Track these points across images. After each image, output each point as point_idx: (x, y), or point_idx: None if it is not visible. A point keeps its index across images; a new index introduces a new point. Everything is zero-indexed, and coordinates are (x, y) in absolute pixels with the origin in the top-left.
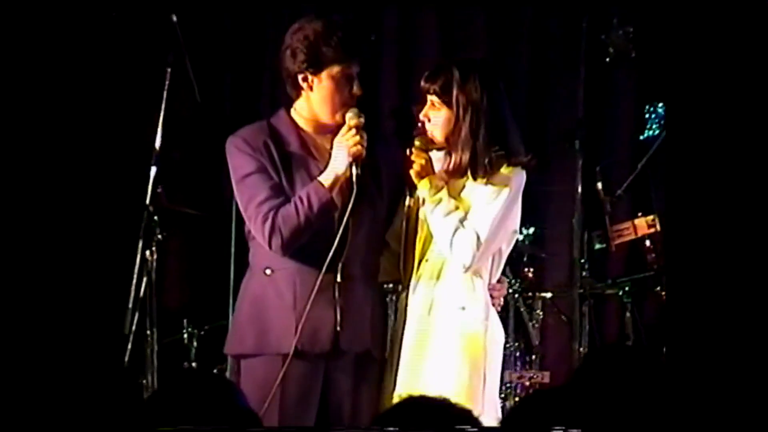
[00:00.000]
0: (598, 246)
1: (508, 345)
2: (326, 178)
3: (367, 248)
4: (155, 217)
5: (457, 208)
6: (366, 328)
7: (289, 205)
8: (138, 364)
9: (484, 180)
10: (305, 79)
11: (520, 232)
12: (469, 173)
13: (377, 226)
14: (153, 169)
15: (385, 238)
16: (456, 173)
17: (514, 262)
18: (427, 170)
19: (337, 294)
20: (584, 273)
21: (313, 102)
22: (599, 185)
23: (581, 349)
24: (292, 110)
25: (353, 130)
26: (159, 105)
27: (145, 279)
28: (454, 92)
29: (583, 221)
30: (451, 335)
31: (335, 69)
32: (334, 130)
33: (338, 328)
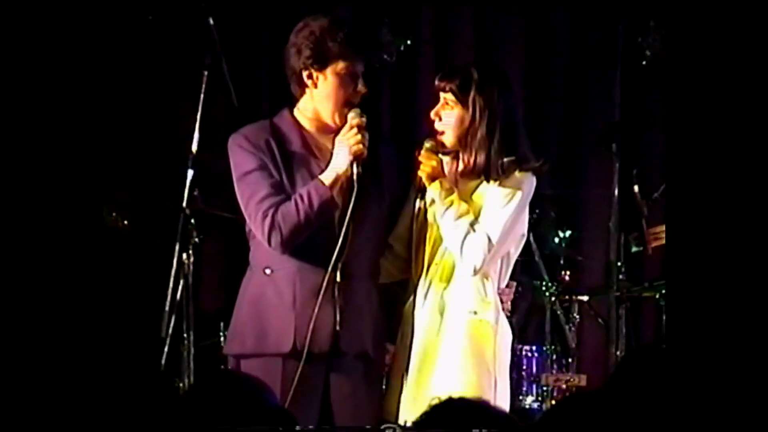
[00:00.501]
0: (634, 249)
1: (545, 348)
2: (327, 177)
3: (368, 248)
4: (192, 221)
5: (468, 211)
6: (366, 329)
7: (289, 202)
8: (174, 367)
9: (497, 183)
10: (310, 76)
11: (557, 236)
12: (482, 176)
13: (378, 227)
14: (190, 173)
15: (388, 240)
16: (468, 175)
17: (551, 265)
18: (438, 173)
19: (336, 294)
20: (621, 276)
21: (316, 99)
22: (636, 188)
23: (618, 352)
24: (295, 110)
25: (355, 129)
26: (196, 108)
27: (181, 282)
28: (472, 92)
29: (619, 224)
30: (462, 339)
31: (340, 65)
32: (336, 130)
33: (338, 328)
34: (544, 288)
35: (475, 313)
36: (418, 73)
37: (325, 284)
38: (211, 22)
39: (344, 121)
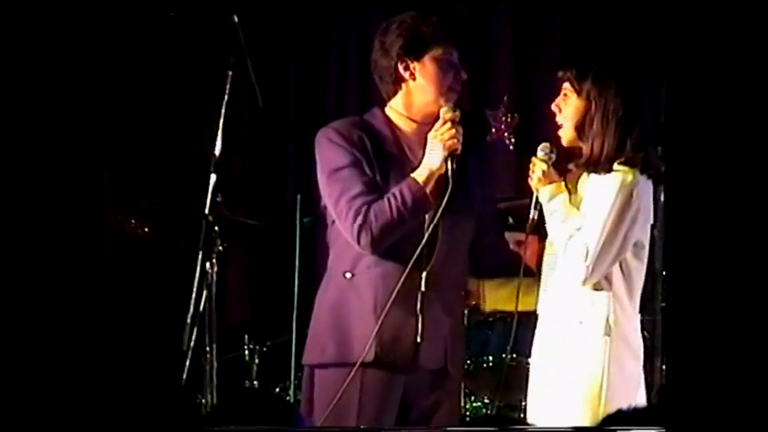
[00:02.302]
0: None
1: None
2: (421, 174)
3: (455, 256)
4: (215, 228)
5: (573, 214)
6: (446, 343)
7: (382, 201)
8: (196, 382)
9: (603, 181)
10: (407, 68)
11: None
12: (592, 169)
13: (467, 234)
14: (212, 177)
15: None
16: (585, 166)
17: None
18: (549, 177)
19: (420, 303)
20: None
21: (416, 90)
22: None
23: (663, 366)
24: (387, 108)
25: (448, 124)
26: (219, 110)
27: (204, 292)
28: (588, 82)
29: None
30: (568, 350)
31: (437, 51)
32: (430, 127)
33: (419, 341)
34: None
35: (581, 323)
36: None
37: (408, 291)
38: (236, 19)
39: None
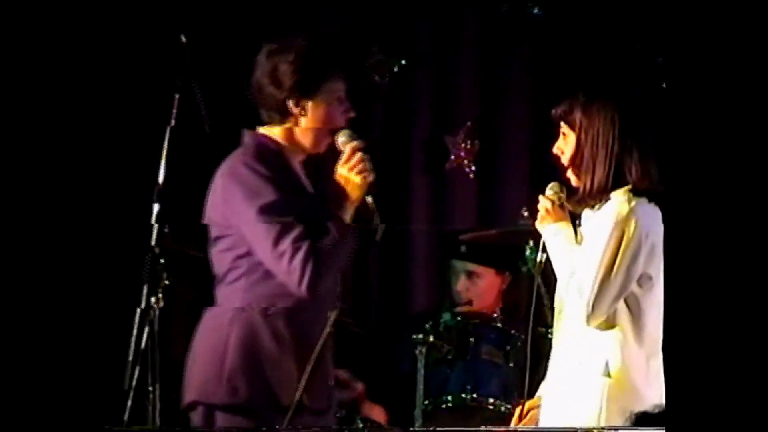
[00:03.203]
0: None
1: None
2: (346, 211)
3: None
4: (161, 260)
5: (577, 249)
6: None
7: (321, 243)
8: (139, 423)
9: (597, 215)
10: (297, 104)
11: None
12: (589, 203)
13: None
14: (156, 207)
15: None
16: (580, 203)
17: None
18: (555, 216)
19: (327, 342)
20: None
21: (304, 127)
22: None
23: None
24: (277, 136)
25: (358, 154)
26: (164, 135)
27: (147, 328)
28: (579, 115)
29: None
30: (568, 390)
31: (331, 87)
32: (322, 156)
33: (330, 383)
34: (550, 336)
35: (581, 363)
36: (414, 98)
37: (320, 331)
38: (183, 39)
39: (331, 146)
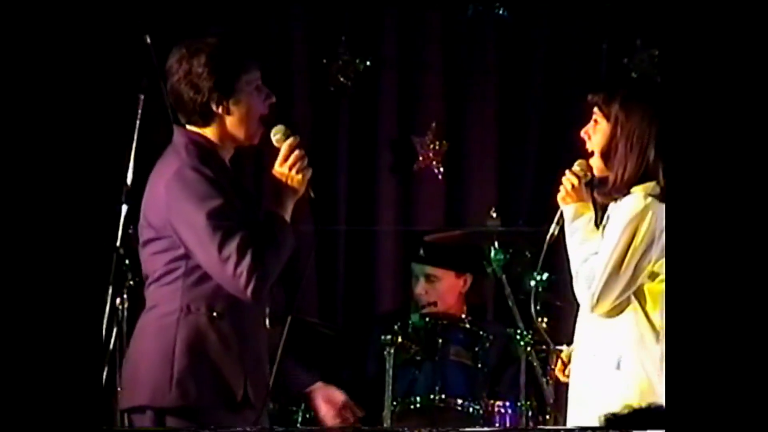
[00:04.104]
0: None
1: (519, 404)
2: (286, 210)
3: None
4: (126, 261)
5: (593, 237)
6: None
7: (265, 246)
8: (107, 424)
9: (618, 207)
10: (219, 104)
11: (534, 278)
12: (615, 196)
13: None
14: (124, 208)
15: None
16: (609, 194)
17: (526, 311)
18: (578, 195)
19: (265, 343)
20: None
21: (231, 124)
22: None
23: None
24: (206, 134)
25: (295, 152)
26: (131, 136)
27: (114, 329)
28: (616, 106)
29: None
30: (584, 382)
31: (248, 77)
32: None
33: (270, 382)
34: (518, 337)
35: (594, 355)
36: (380, 99)
37: (262, 330)
38: (148, 40)
39: (261, 139)
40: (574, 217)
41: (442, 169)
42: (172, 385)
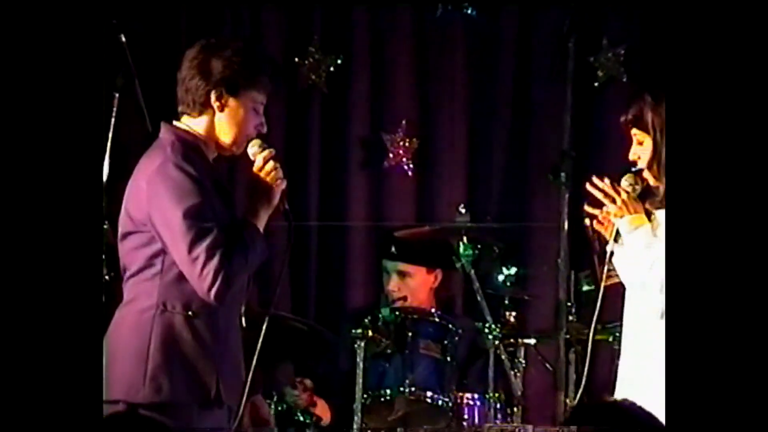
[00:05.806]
0: (586, 288)
1: (488, 396)
2: (261, 219)
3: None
4: (101, 257)
5: (658, 241)
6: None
7: (234, 252)
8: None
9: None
10: (219, 98)
11: (502, 273)
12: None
13: None
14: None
15: None
16: (657, 204)
17: (495, 305)
18: (628, 208)
19: (241, 342)
20: (571, 317)
21: (219, 123)
22: (587, 221)
23: (567, 400)
24: (196, 131)
25: (271, 163)
26: (106, 134)
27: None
28: (649, 117)
29: (569, 261)
30: (636, 383)
31: (253, 96)
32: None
33: (248, 381)
34: (487, 330)
35: (650, 357)
36: (351, 97)
37: (236, 329)
38: (123, 39)
39: (240, 153)
40: (633, 228)
41: (412, 166)
42: (146, 381)
